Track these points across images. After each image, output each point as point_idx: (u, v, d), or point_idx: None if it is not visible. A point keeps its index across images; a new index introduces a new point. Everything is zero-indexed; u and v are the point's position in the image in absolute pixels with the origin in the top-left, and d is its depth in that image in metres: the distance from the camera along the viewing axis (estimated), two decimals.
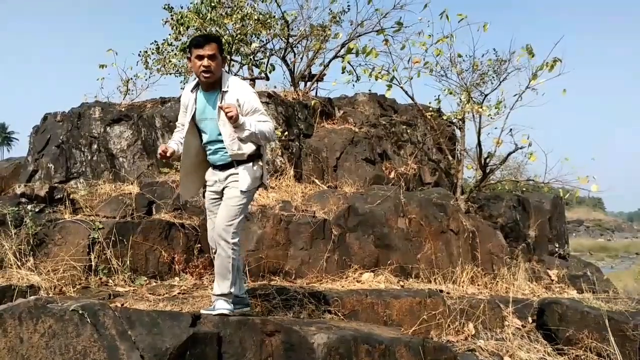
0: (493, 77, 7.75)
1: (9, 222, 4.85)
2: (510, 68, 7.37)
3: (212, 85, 3.48)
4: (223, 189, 3.55)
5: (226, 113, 3.24)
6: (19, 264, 4.56)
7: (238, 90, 3.48)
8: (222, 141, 3.46)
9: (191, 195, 3.74)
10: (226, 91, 3.46)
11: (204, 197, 3.90)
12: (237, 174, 3.49)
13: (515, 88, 7.07)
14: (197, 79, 3.53)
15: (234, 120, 3.25)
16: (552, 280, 6.63)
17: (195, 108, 3.50)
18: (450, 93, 7.41)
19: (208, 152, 3.59)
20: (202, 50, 3.34)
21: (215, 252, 3.54)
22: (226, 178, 3.53)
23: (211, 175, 3.62)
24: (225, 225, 3.40)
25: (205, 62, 3.34)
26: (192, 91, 3.54)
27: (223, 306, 3.40)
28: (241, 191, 3.45)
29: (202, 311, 3.41)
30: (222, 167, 3.54)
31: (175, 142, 3.66)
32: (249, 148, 3.47)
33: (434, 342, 3.71)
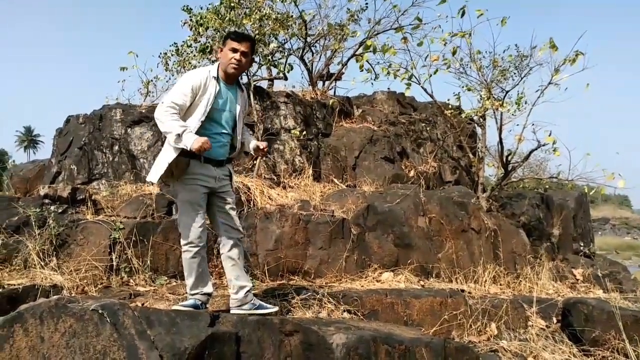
0: (514, 73, 7.62)
1: (33, 223, 4.93)
2: (532, 63, 7.24)
3: (233, 79, 3.62)
4: (219, 187, 3.56)
5: (266, 151, 3.86)
6: (43, 264, 4.63)
7: (245, 92, 3.81)
8: (230, 135, 3.61)
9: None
10: (243, 91, 3.72)
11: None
12: (231, 174, 3.70)
13: (537, 84, 6.95)
14: (213, 68, 3.56)
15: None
16: (577, 280, 6.49)
17: (216, 98, 3.49)
18: (469, 90, 7.31)
19: (215, 145, 3.47)
20: (239, 44, 3.48)
21: (200, 250, 3.48)
22: (223, 177, 3.59)
23: (204, 169, 3.46)
24: (239, 223, 3.69)
25: (238, 56, 3.49)
26: (215, 79, 3.50)
27: (253, 300, 3.61)
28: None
29: (235, 311, 3.53)
30: (220, 163, 3.55)
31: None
32: None
33: (455, 342, 3.65)
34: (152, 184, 6.75)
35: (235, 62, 3.48)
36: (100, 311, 2.70)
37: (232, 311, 3.55)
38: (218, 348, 2.88)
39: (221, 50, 3.57)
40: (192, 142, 3.23)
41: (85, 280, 4.53)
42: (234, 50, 3.47)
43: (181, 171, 3.40)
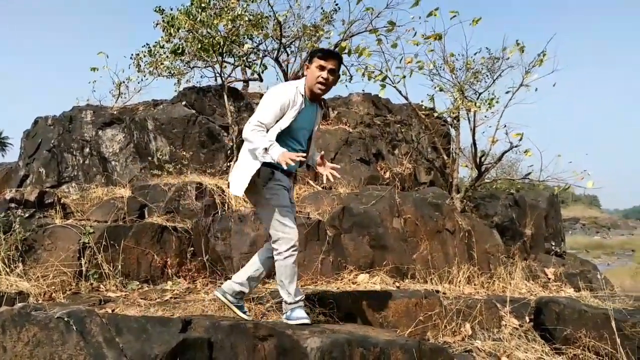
0: (487, 76, 7.71)
1: None
2: (503, 66, 7.34)
3: (317, 98, 3.50)
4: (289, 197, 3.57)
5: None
6: (8, 270, 4.49)
7: (322, 109, 3.68)
8: (304, 150, 3.52)
9: None
10: (322, 109, 3.64)
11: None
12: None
13: (509, 87, 7.05)
14: (300, 84, 3.44)
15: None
16: (549, 279, 6.59)
17: (299, 114, 3.39)
18: (441, 90, 7.37)
19: None
20: (326, 62, 3.35)
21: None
22: (292, 187, 3.62)
23: (283, 179, 3.47)
24: None
25: (325, 74, 3.35)
26: (302, 96, 3.40)
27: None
28: None
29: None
30: (290, 175, 3.55)
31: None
32: None
33: (430, 343, 3.65)
34: (124, 186, 6.62)
35: (323, 80, 3.36)
36: (66, 319, 2.61)
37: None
38: (190, 355, 2.81)
39: (307, 68, 3.46)
40: (278, 155, 3.16)
41: (53, 287, 4.40)
42: (321, 68, 3.35)
43: (265, 180, 3.35)
